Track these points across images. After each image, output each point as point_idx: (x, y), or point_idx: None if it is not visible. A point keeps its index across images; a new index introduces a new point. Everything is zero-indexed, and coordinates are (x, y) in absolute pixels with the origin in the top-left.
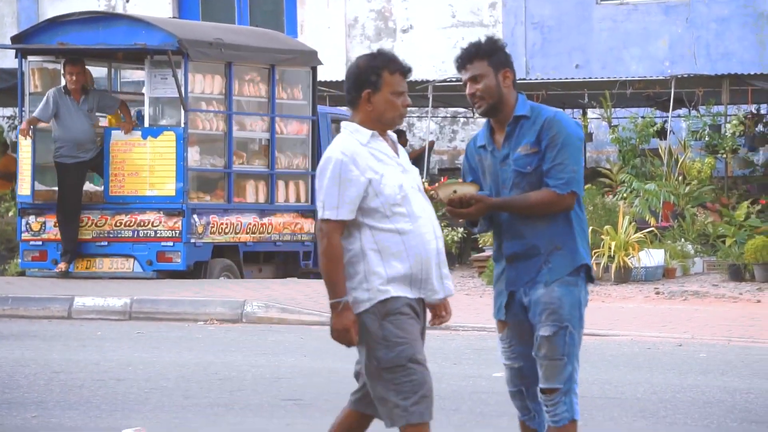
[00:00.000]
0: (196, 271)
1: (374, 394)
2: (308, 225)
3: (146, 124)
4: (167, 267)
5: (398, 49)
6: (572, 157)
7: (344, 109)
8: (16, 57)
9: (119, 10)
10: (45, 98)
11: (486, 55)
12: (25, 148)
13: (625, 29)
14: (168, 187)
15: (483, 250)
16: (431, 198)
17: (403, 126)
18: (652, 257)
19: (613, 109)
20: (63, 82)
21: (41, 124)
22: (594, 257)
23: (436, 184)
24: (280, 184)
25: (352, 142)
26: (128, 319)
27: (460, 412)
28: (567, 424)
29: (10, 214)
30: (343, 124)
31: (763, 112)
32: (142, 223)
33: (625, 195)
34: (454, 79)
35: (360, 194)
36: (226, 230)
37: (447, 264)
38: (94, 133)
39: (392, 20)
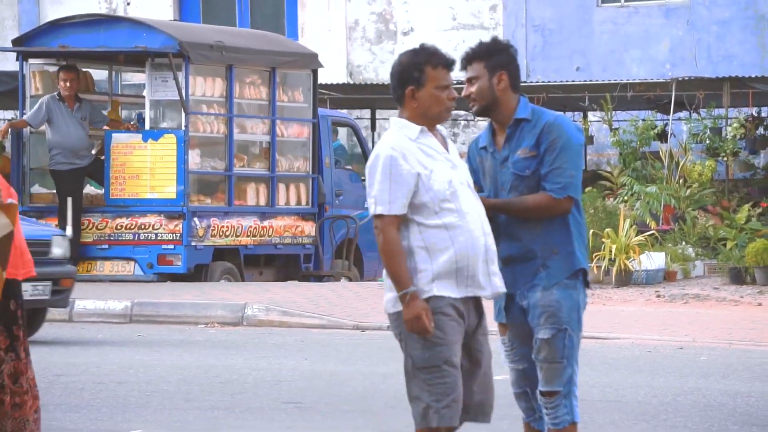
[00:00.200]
0: (196, 274)
1: (408, 391)
2: (309, 228)
3: (147, 127)
4: (168, 270)
5: (399, 51)
6: (570, 162)
7: (345, 112)
8: (17, 60)
9: (120, 12)
10: (38, 104)
11: (482, 57)
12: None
13: (626, 32)
14: (168, 190)
15: None
16: None
17: None
18: (653, 260)
19: (613, 112)
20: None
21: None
22: (595, 260)
23: None
24: (281, 187)
25: (401, 138)
26: (129, 322)
27: None
28: (567, 427)
29: None
30: (391, 120)
31: (764, 114)
32: (142, 226)
33: (625, 198)
34: (455, 82)
35: (411, 189)
36: (227, 233)
37: (496, 261)
38: (89, 140)
39: (393, 23)
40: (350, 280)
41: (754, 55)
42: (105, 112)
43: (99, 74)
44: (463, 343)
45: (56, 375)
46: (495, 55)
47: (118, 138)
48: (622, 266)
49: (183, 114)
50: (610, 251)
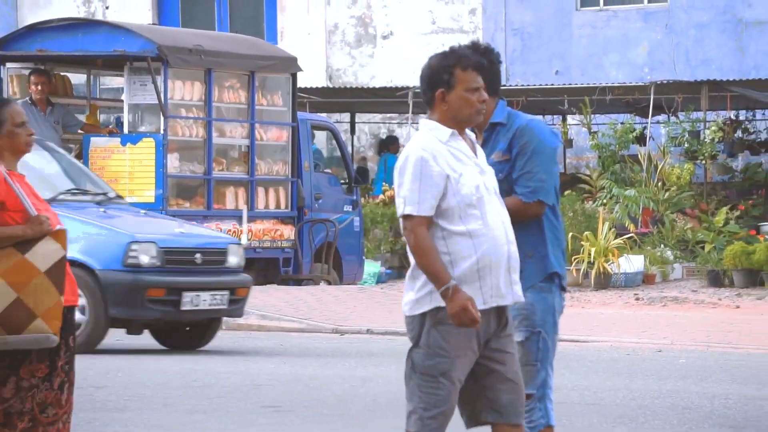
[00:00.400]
0: None
1: (406, 388)
2: (288, 231)
3: (126, 131)
4: None
5: (378, 55)
6: (541, 166)
7: (324, 116)
8: None
9: (99, 16)
10: None
11: None
12: None
13: (605, 36)
14: (147, 193)
15: None
16: None
17: (383, 133)
18: (632, 263)
19: (592, 115)
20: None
21: None
22: (574, 263)
23: None
24: (260, 190)
25: (432, 140)
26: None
27: None
28: (543, 430)
29: None
30: (421, 121)
31: (741, 118)
32: None
33: (604, 201)
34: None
35: (440, 191)
36: None
37: (518, 270)
38: (62, 144)
39: (372, 26)
40: (329, 283)
41: (732, 59)
42: (83, 116)
43: (77, 78)
44: (484, 347)
45: None
46: None
47: (97, 142)
48: (601, 269)
49: (162, 118)
50: (589, 254)
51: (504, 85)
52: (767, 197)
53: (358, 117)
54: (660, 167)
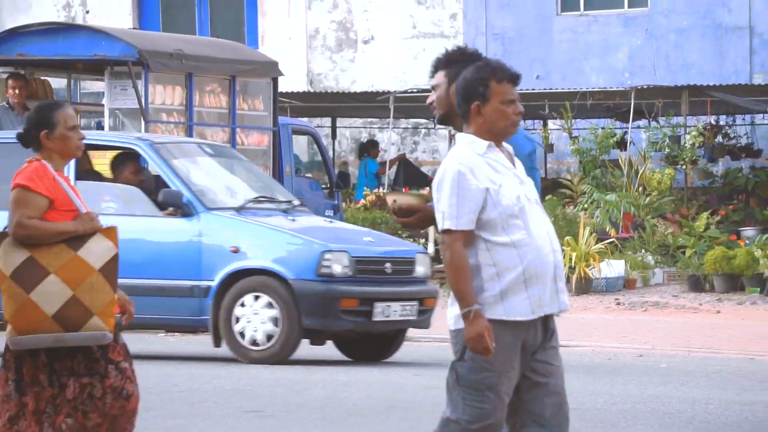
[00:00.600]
0: None
1: (447, 396)
2: None
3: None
4: None
5: (359, 60)
6: None
7: (305, 120)
8: None
9: (79, 21)
10: None
11: (444, 65)
12: None
13: (585, 41)
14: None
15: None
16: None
17: (364, 137)
18: (613, 268)
19: (573, 120)
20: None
21: None
22: None
23: (385, 193)
24: None
25: (469, 153)
26: None
27: (423, 423)
28: None
29: None
30: (457, 136)
31: (722, 123)
32: None
33: (585, 206)
34: (415, 90)
35: (479, 204)
36: None
37: (563, 278)
38: None
39: (353, 31)
40: None
41: (713, 64)
42: None
43: (58, 82)
44: (531, 358)
45: None
46: (454, 64)
47: None
48: (582, 274)
49: (142, 122)
50: (570, 259)
51: None
52: (747, 202)
53: (339, 122)
54: (641, 172)
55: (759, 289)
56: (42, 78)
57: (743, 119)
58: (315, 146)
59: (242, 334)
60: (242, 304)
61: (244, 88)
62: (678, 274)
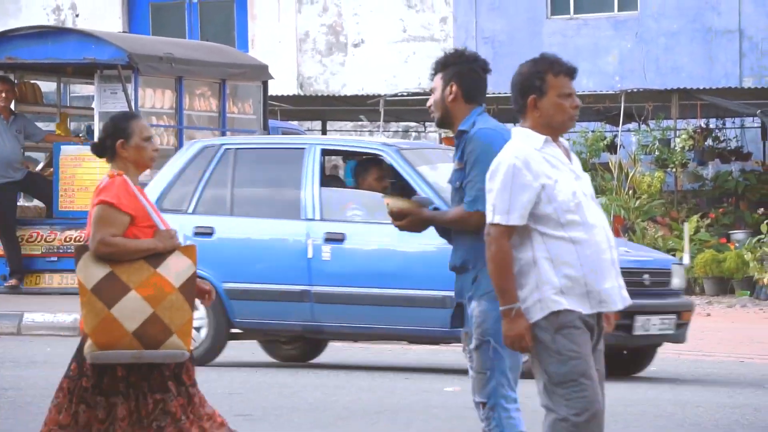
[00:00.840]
0: None
1: (543, 402)
2: None
3: (96, 139)
4: None
5: (349, 63)
6: (481, 176)
7: (295, 124)
8: None
9: (69, 24)
10: None
11: (441, 68)
12: None
13: (575, 44)
14: None
15: None
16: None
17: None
18: None
19: None
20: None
21: None
22: None
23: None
24: None
25: (525, 147)
26: (78, 335)
27: (412, 426)
28: None
29: None
30: (514, 130)
31: (712, 126)
32: None
33: None
34: (405, 94)
35: (532, 200)
36: None
37: (620, 274)
38: (22, 154)
39: (343, 35)
40: None
41: (702, 67)
42: (53, 125)
43: (47, 86)
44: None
45: (3, 389)
46: (450, 67)
47: (67, 150)
48: None
49: None
50: None
51: None
52: (737, 205)
53: (330, 125)
54: (631, 175)
55: (749, 292)
56: (31, 81)
57: (733, 122)
58: None
59: None
60: None
61: (234, 92)
62: None
